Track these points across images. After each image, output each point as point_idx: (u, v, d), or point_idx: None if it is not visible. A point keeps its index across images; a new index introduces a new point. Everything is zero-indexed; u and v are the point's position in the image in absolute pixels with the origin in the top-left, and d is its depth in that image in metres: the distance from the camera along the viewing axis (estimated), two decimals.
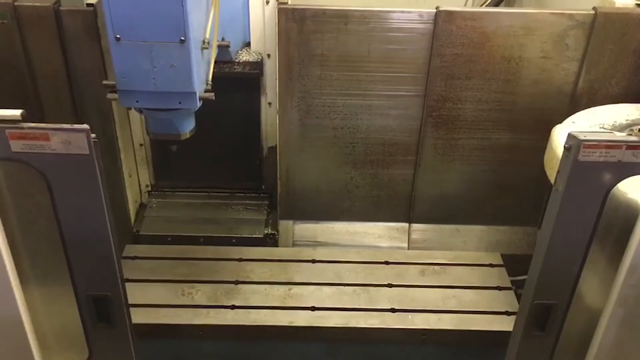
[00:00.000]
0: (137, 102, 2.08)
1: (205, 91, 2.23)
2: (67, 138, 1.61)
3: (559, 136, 2.58)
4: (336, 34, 2.86)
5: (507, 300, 2.87)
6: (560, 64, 2.93)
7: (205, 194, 3.55)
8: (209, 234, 3.29)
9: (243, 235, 3.30)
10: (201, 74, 2.19)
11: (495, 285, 2.95)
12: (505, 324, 2.72)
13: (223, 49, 2.75)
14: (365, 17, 2.83)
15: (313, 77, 2.98)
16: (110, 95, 2.12)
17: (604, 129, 2.66)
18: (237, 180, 3.53)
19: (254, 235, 3.31)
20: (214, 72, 2.37)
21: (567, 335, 2.00)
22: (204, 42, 2.17)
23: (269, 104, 3.14)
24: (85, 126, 1.61)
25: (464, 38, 2.86)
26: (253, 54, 3.06)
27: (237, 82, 3.13)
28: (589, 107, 2.87)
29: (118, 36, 1.93)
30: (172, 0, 1.88)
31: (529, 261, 1.96)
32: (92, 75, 2.81)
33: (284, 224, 3.42)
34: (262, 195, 3.55)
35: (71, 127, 1.60)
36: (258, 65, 3.05)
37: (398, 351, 2.82)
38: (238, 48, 3.07)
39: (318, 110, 3.08)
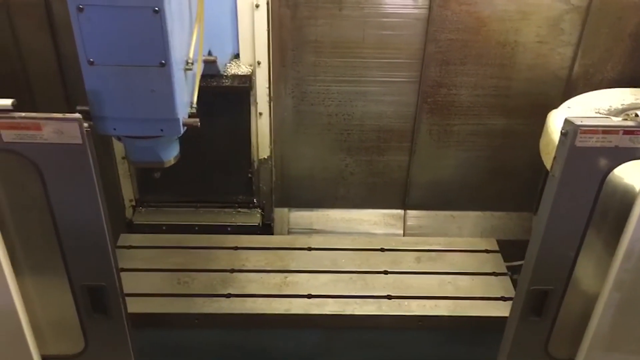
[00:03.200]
0: (114, 129, 1.86)
1: (190, 115, 2.00)
2: (60, 127, 1.59)
3: (554, 121, 2.57)
4: (330, 20, 2.84)
5: (502, 285, 2.88)
6: (555, 49, 2.92)
7: (194, 208, 3.32)
8: (203, 223, 3.27)
9: (238, 224, 3.28)
10: (184, 98, 1.96)
11: (491, 271, 2.96)
12: (501, 310, 2.73)
13: (210, 64, 2.50)
14: (359, 3, 2.80)
15: (307, 63, 2.96)
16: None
17: (600, 113, 2.66)
18: (227, 194, 3.30)
19: (249, 223, 3.29)
20: (200, 86, 2.14)
21: (563, 321, 2.01)
22: (187, 63, 1.95)
23: (260, 114, 3.02)
24: (78, 115, 1.59)
25: (459, 23, 2.84)
26: (242, 66, 2.90)
27: (225, 94, 2.92)
28: (585, 91, 2.86)
29: (91, 60, 1.72)
30: (151, 20, 1.66)
31: (524, 247, 1.96)
32: None
33: (279, 212, 3.41)
34: (253, 209, 3.33)
35: (63, 116, 1.58)
36: (247, 79, 2.87)
37: (394, 337, 2.83)
38: (226, 61, 2.88)
39: (312, 97, 3.06)
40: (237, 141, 3.11)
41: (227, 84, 2.84)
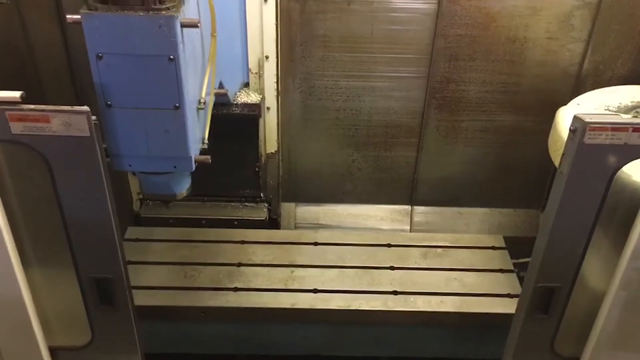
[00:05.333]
0: (130, 166, 1.96)
1: (202, 152, 2.11)
2: (68, 120, 1.59)
3: (563, 118, 2.56)
4: (339, 14, 2.83)
5: (509, 282, 2.87)
6: (565, 45, 2.89)
7: (201, 202, 3.31)
8: (211, 216, 3.28)
9: (245, 218, 3.29)
10: (197, 135, 2.05)
11: (497, 268, 2.95)
12: (507, 307, 2.72)
13: (221, 96, 2.61)
14: None
15: (315, 58, 2.95)
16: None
17: (609, 110, 2.64)
18: (235, 188, 3.29)
19: (256, 218, 3.30)
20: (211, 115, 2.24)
21: (570, 318, 2.00)
22: (199, 102, 2.04)
23: (268, 108, 3.02)
24: (86, 108, 1.59)
25: (469, 18, 2.83)
26: (252, 94, 2.96)
27: (235, 122, 2.99)
28: (594, 88, 2.84)
29: (109, 102, 1.80)
30: (166, 67, 1.74)
31: (531, 244, 1.96)
32: None
33: (286, 207, 3.41)
34: (260, 204, 3.32)
35: (72, 109, 1.59)
36: (257, 107, 2.95)
37: (400, 333, 2.83)
38: (236, 90, 2.95)
39: (320, 91, 3.05)
40: (245, 132, 3.12)
41: (237, 112, 2.94)
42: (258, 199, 3.31)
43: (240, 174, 3.24)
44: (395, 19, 2.84)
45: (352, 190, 3.39)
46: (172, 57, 1.74)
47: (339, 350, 2.91)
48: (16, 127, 1.60)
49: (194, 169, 2.04)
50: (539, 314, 1.99)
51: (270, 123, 3.06)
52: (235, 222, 3.28)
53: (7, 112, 1.58)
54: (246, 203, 3.32)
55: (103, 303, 1.95)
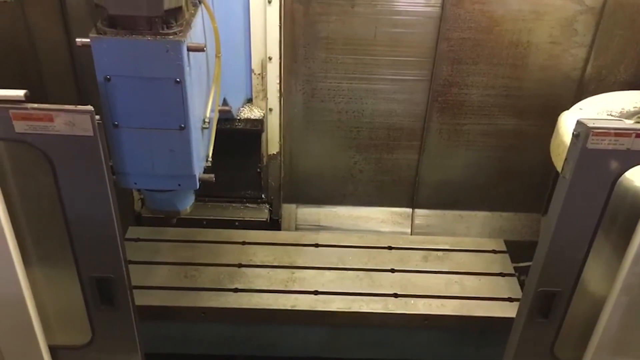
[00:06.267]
0: (135, 183, 2.01)
1: (206, 169, 2.15)
2: (71, 119, 1.60)
3: (566, 123, 2.56)
4: (342, 17, 2.83)
5: (510, 286, 2.87)
6: (568, 50, 2.90)
7: (202, 202, 3.27)
8: (212, 217, 3.28)
9: (246, 219, 3.29)
10: (201, 153, 2.10)
11: (498, 272, 2.95)
12: (507, 311, 2.72)
13: (225, 112, 2.66)
14: (372, 0, 2.79)
15: (318, 60, 2.95)
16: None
17: (612, 116, 2.64)
18: (236, 189, 3.30)
19: (257, 219, 3.30)
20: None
21: (570, 323, 2.00)
22: (204, 122, 2.09)
23: (270, 109, 3.04)
24: (90, 107, 1.59)
25: (472, 22, 2.83)
26: (255, 110, 3.01)
27: (238, 136, 3.03)
28: (597, 93, 2.84)
29: (116, 123, 1.85)
30: (172, 90, 1.78)
31: (532, 248, 1.96)
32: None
33: (287, 208, 3.41)
34: (261, 205, 3.33)
35: (75, 108, 1.59)
36: (259, 122, 3.01)
37: (400, 336, 2.83)
38: (239, 105, 3.00)
39: (323, 93, 3.05)
40: (247, 133, 3.13)
41: (240, 127, 3.00)
42: (259, 200, 3.31)
43: (242, 175, 3.24)
44: (398, 22, 2.85)
45: (353, 192, 3.39)
46: (178, 79, 1.78)
47: (339, 352, 2.91)
48: (20, 126, 1.60)
49: (198, 187, 2.07)
50: (540, 318, 1.99)
51: (272, 124, 3.06)
52: (236, 223, 3.28)
53: (10, 111, 1.58)
54: (247, 204, 3.32)
55: (104, 302, 1.95)
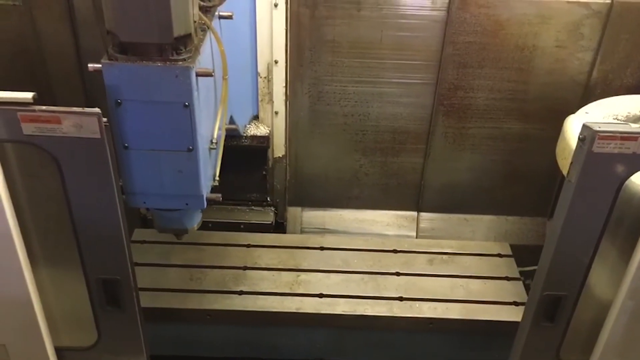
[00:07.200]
0: (144, 202, 2.05)
1: (213, 189, 2.20)
2: (79, 121, 1.61)
3: (571, 126, 2.55)
4: (348, 20, 2.84)
5: (515, 290, 2.86)
6: (574, 54, 2.89)
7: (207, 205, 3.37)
8: (217, 220, 3.29)
9: (251, 222, 3.29)
10: (208, 173, 2.15)
11: (503, 276, 2.94)
12: (513, 314, 2.71)
13: (231, 130, 2.69)
14: (378, 4, 2.80)
15: (324, 63, 2.96)
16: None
17: (618, 120, 2.64)
18: (241, 192, 3.31)
19: (262, 221, 3.30)
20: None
21: (576, 327, 2.00)
22: (211, 142, 2.13)
23: (276, 113, 3.05)
24: (97, 110, 1.60)
25: (478, 26, 2.83)
26: (261, 127, 3.05)
27: (244, 153, 3.09)
28: (603, 97, 2.84)
29: (126, 145, 1.89)
30: (181, 113, 1.82)
31: (537, 252, 1.95)
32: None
33: (293, 211, 3.41)
34: (267, 208, 3.34)
35: (83, 110, 1.60)
36: (265, 139, 3.06)
37: (405, 339, 2.83)
38: (246, 122, 3.05)
39: (329, 97, 3.06)
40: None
41: (246, 144, 3.05)
42: (265, 203, 3.32)
43: (248, 177, 3.25)
44: (404, 26, 2.85)
45: (358, 195, 3.39)
46: (187, 103, 1.82)
47: (344, 355, 2.91)
48: (28, 128, 1.62)
49: (205, 206, 2.11)
50: (545, 322, 1.99)
51: (278, 127, 3.07)
52: (242, 226, 3.29)
53: (19, 113, 1.59)
54: (253, 207, 3.33)
55: (110, 304, 1.96)
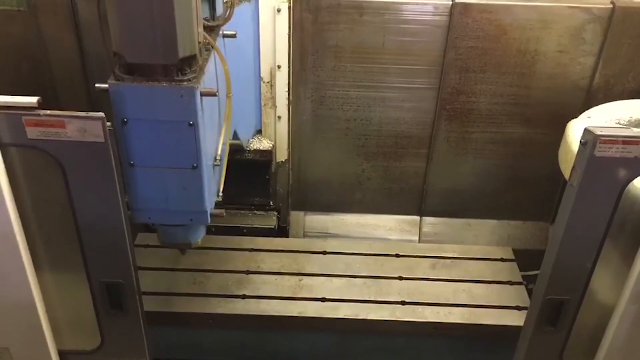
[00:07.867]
0: (149, 218, 2.11)
1: (217, 204, 2.25)
2: (83, 126, 1.62)
3: (574, 131, 2.56)
4: (351, 25, 2.85)
5: (518, 295, 2.86)
6: (576, 58, 2.90)
7: None
8: (220, 224, 3.29)
9: (254, 226, 3.30)
10: (212, 189, 2.19)
11: (506, 280, 2.94)
12: (515, 319, 2.71)
13: (235, 145, 2.77)
14: (380, 9, 2.81)
15: (327, 68, 2.97)
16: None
17: (620, 124, 2.64)
18: (244, 196, 3.30)
19: (265, 226, 3.31)
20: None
21: (579, 332, 2.00)
22: (215, 159, 2.19)
23: (279, 117, 3.07)
24: (101, 114, 1.62)
25: (480, 31, 2.84)
26: (264, 141, 3.09)
27: (248, 166, 3.14)
28: (605, 102, 2.84)
29: (132, 162, 1.94)
30: (186, 132, 1.87)
31: (540, 256, 1.95)
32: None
33: (295, 215, 3.42)
34: (270, 212, 3.34)
35: (87, 114, 1.61)
36: (268, 153, 3.11)
37: (407, 344, 2.83)
38: (249, 137, 3.09)
39: (331, 101, 3.07)
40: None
41: (249, 157, 3.10)
42: (267, 207, 3.32)
43: (251, 181, 3.26)
44: (406, 31, 2.86)
45: (361, 199, 3.39)
46: (192, 122, 1.87)
47: (346, 359, 2.91)
48: (32, 132, 1.63)
49: (209, 222, 2.16)
50: (548, 327, 1.99)
51: (281, 131, 3.09)
52: (245, 230, 3.29)
53: (23, 117, 1.60)
54: (255, 211, 3.33)
55: (113, 307, 1.97)
